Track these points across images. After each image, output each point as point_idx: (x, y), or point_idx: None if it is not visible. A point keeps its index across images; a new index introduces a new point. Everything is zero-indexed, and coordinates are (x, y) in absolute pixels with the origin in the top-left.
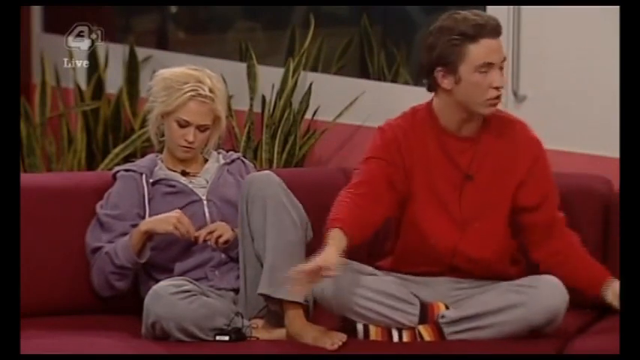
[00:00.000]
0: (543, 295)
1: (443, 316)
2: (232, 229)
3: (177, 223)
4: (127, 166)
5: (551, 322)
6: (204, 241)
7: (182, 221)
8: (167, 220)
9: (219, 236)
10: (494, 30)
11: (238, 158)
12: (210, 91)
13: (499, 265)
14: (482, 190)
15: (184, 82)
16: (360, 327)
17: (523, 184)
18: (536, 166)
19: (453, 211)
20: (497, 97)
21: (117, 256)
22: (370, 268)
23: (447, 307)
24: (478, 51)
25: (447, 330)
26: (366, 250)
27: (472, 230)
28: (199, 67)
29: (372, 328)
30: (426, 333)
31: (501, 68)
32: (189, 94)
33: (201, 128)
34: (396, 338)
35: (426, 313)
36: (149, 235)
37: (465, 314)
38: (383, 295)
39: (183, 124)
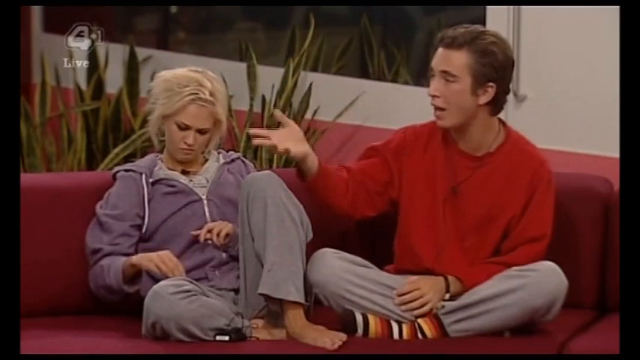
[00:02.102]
0: (543, 278)
1: (443, 307)
2: (232, 226)
3: (160, 263)
4: (127, 166)
5: (550, 307)
6: (205, 240)
7: (165, 262)
8: (149, 258)
9: (219, 231)
10: (444, 41)
11: (238, 158)
12: (211, 94)
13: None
14: (467, 209)
15: (185, 85)
16: (359, 317)
17: (516, 219)
18: (530, 204)
19: (438, 224)
20: (434, 107)
21: (108, 276)
22: (365, 261)
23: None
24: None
25: (447, 320)
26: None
27: (452, 251)
28: (200, 69)
29: (372, 319)
30: (425, 326)
31: (447, 80)
32: (190, 97)
33: (201, 131)
34: (396, 331)
35: None
36: (138, 269)
37: (465, 302)
38: (377, 285)
39: (183, 128)
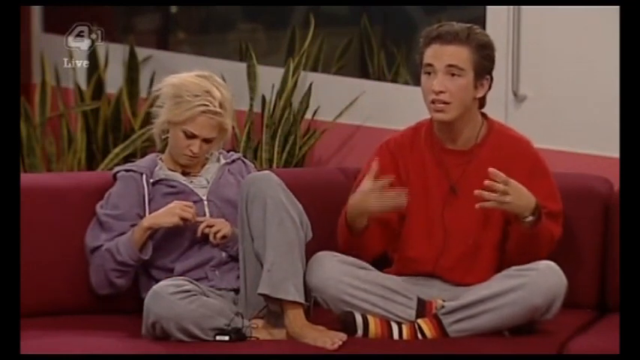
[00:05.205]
0: (542, 277)
1: (442, 307)
2: (231, 227)
3: (182, 212)
4: (127, 166)
5: (550, 305)
6: (203, 234)
7: (185, 209)
8: (171, 212)
9: (218, 231)
10: (443, 37)
11: (239, 158)
12: (220, 105)
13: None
14: (467, 206)
15: (195, 94)
16: (359, 318)
17: None
18: (533, 183)
19: (436, 227)
20: (436, 102)
21: (119, 253)
22: (364, 263)
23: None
24: (426, 54)
25: (446, 320)
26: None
27: (455, 251)
28: (207, 73)
29: (372, 320)
30: (425, 326)
31: (453, 75)
32: (200, 109)
33: (207, 140)
34: (395, 332)
35: (423, 309)
36: (152, 231)
37: (465, 302)
38: (376, 287)
39: (190, 136)
